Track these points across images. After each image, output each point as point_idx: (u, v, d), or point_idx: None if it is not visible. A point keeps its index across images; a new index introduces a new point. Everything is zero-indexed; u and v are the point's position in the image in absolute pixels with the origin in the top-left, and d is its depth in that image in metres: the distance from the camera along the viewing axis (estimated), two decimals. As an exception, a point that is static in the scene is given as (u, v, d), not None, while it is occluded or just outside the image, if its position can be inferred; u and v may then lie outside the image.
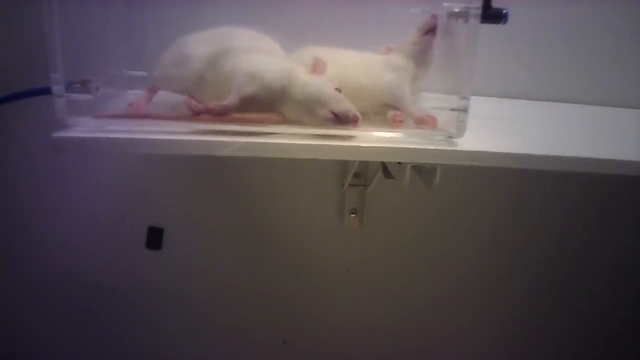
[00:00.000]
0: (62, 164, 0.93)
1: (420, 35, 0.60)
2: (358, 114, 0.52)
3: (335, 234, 1.00)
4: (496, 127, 0.69)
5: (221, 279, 1.01)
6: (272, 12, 0.66)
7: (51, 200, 0.95)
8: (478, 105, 0.57)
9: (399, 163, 0.66)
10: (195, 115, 0.52)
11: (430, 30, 0.60)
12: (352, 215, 0.98)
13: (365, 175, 0.95)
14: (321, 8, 0.64)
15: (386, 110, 0.59)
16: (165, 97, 0.62)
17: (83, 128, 0.52)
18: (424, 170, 0.63)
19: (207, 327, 1.04)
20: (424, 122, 0.58)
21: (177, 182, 0.96)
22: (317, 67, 0.55)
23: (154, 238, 0.98)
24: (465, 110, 0.53)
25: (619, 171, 0.56)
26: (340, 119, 0.52)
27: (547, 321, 1.08)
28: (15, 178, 0.93)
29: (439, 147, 0.54)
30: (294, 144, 0.52)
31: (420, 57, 0.60)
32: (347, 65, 0.59)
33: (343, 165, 0.96)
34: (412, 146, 0.54)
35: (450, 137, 0.55)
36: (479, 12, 0.51)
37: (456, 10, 0.55)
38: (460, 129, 0.54)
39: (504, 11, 0.58)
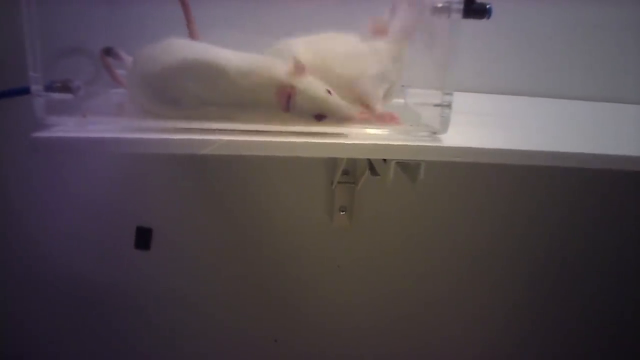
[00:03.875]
0: (48, 163, 0.92)
1: (428, 15, 0.54)
2: (353, 113, 0.52)
3: (325, 232, 0.99)
4: (481, 123, 0.68)
5: (211, 279, 1.01)
6: (258, 8, 0.66)
7: (38, 200, 0.94)
8: (463, 101, 0.56)
9: (384, 160, 0.66)
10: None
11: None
12: (341, 213, 0.97)
13: (354, 172, 0.95)
14: (306, 5, 0.64)
15: (358, 103, 0.56)
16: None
17: (64, 128, 0.52)
18: (409, 167, 0.63)
19: (197, 326, 1.03)
20: (383, 120, 0.56)
21: (165, 181, 0.96)
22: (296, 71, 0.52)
23: (143, 238, 0.97)
24: (448, 105, 0.53)
25: (604, 165, 0.56)
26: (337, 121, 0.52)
27: (539, 318, 1.08)
28: (2, 177, 0.93)
29: (423, 144, 0.53)
30: (277, 141, 0.51)
31: (427, 39, 0.56)
32: (329, 57, 0.56)
33: (332, 163, 0.96)
34: (396, 143, 0.53)
35: (435, 133, 0.55)
36: (461, 7, 0.50)
37: (439, 5, 0.54)
38: (444, 125, 0.54)
39: (488, 6, 0.57)
